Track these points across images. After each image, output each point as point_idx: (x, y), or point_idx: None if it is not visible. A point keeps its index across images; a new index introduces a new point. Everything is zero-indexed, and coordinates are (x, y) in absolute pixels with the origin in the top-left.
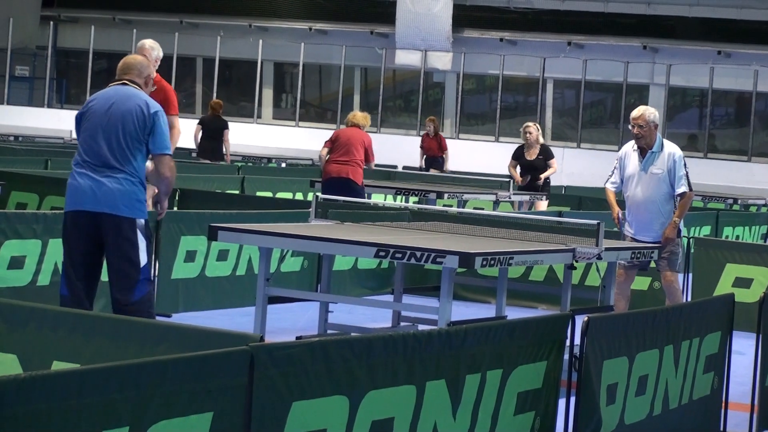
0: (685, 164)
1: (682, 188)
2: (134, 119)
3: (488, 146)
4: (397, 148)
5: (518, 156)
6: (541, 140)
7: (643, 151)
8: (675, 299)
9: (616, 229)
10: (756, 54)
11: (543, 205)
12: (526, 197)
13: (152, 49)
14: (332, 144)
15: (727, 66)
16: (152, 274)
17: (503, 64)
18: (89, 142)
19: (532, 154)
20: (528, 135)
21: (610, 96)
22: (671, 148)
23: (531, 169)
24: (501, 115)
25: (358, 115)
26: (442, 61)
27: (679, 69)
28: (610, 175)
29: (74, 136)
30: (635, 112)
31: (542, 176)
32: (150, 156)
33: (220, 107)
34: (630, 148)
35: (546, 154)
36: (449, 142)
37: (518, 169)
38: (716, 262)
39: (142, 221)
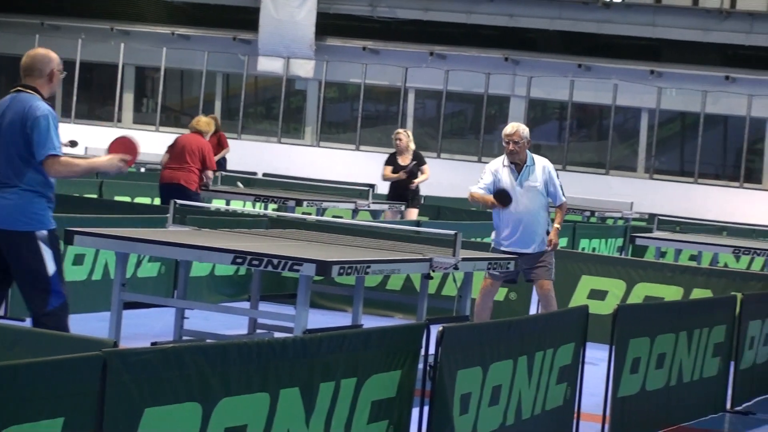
0: (557, 175)
1: (562, 198)
2: (17, 130)
3: (349, 155)
4: (258, 155)
5: (391, 162)
6: (413, 146)
7: (517, 167)
8: (551, 307)
9: (478, 239)
10: (615, 68)
11: (414, 213)
12: (386, 206)
13: None
14: (171, 150)
15: (587, 79)
16: (63, 284)
17: (365, 73)
18: None
19: (405, 160)
20: (398, 141)
21: (471, 107)
22: (543, 162)
23: (406, 175)
24: (362, 123)
25: (202, 121)
26: (304, 68)
27: (540, 81)
28: (479, 181)
29: None
30: (509, 129)
31: (416, 182)
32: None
33: None
34: (500, 164)
35: (419, 160)
36: (310, 150)
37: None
38: (572, 273)
39: (44, 232)
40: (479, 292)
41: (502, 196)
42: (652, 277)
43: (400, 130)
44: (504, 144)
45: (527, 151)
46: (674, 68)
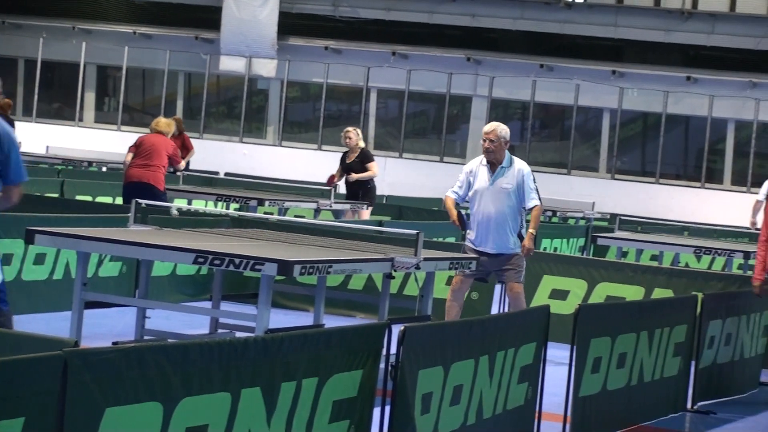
0: (534, 179)
1: (533, 201)
2: None
3: (311, 154)
4: (219, 155)
5: (342, 161)
6: (362, 144)
7: (492, 167)
8: (520, 309)
9: (440, 239)
10: (577, 68)
11: (366, 213)
12: (347, 206)
13: None
14: (136, 149)
15: (549, 79)
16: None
17: (328, 73)
18: None
19: (351, 158)
20: (347, 140)
21: (433, 107)
22: (520, 165)
23: (350, 172)
24: (324, 123)
25: (162, 122)
26: (266, 68)
27: (502, 81)
28: (456, 183)
29: None
30: (488, 127)
31: (354, 175)
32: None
33: (9, 107)
34: (477, 163)
35: (364, 158)
36: (272, 150)
37: (342, 174)
38: (533, 273)
39: None
40: (450, 289)
41: (461, 221)
42: (613, 276)
43: (349, 129)
44: (481, 141)
45: (506, 152)
46: (636, 68)
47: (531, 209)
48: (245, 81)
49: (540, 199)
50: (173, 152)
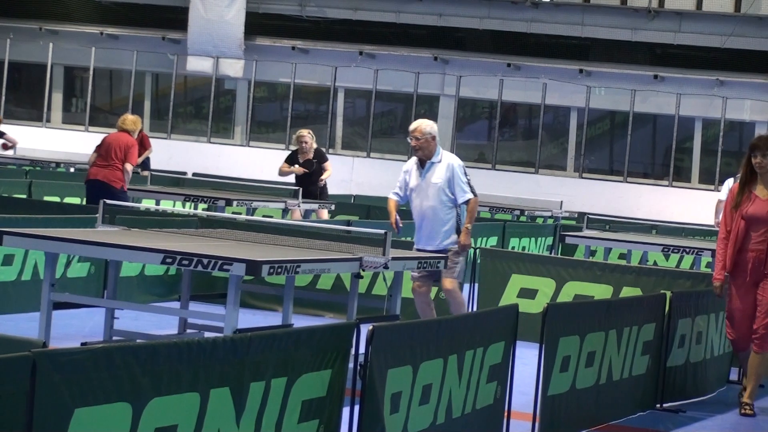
0: (465, 172)
1: (466, 195)
2: None
3: (279, 154)
4: (187, 155)
5: (291, 159)
6: (315, 145)
7: (422, 163)
8: (457, 306)
9: (403, 239)
10: (544, 67)
11: (325, 213)
12: (315, 206)
13: None
14: (98, 149)
15: (516, 78)
16: None
17: (295, 73)
18: None
19: (306, 157)
20: (304, 144)
21: (401, 106)
22: (450, 159)
23: (306, 172)
24: (292, 123)
25: (128, 120)
26: (233, 68)
27: (469, 80)
28: (395, 187)
29: None
30: (412, 126)
31: (322, 178)
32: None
33: None
34: (413, 162)
35: (320, 157)
36: (239, 150)
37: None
38: (502, 272)
39: None
40: (413, 294)
41: (397, 227)
42: (581, 275)
43: (304, 132)
44: (408, 140)
45: (438, 148)
46: (603, 67)
47: (466, 203)
48: (212, 81)
49: (474, 192)
50: (131, 148)
